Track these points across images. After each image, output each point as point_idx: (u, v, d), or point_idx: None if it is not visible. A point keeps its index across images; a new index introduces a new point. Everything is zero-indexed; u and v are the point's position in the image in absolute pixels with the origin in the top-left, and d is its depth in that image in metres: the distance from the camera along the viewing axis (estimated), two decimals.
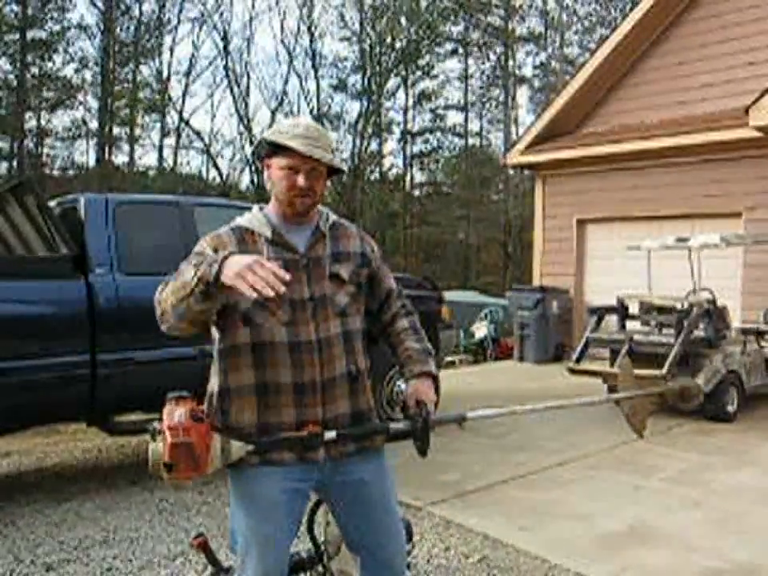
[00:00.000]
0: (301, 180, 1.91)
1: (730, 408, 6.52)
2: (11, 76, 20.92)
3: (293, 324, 1.91)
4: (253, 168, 24.11)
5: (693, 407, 6.40)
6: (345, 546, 2.28)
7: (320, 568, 2.41)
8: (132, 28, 23.36)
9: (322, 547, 2.40)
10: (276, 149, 1.93)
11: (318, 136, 1.93)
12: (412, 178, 29.32)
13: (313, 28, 25.12)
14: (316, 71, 25.60)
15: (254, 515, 1.92)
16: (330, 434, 1.86)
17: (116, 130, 23.79)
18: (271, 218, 2.01)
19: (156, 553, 3.60)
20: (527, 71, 30.40)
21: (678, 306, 6.79)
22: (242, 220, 2.03)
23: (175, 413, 1.72)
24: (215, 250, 1.90)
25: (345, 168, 2.04)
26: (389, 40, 25.69)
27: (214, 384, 2.00)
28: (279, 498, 1.91)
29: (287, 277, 1.65)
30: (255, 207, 2.08)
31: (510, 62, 29.29)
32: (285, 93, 25.26)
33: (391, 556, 2.07)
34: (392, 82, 26.93)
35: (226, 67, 24.18)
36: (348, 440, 1.95)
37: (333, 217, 2.11)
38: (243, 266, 1.61)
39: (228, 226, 2.02)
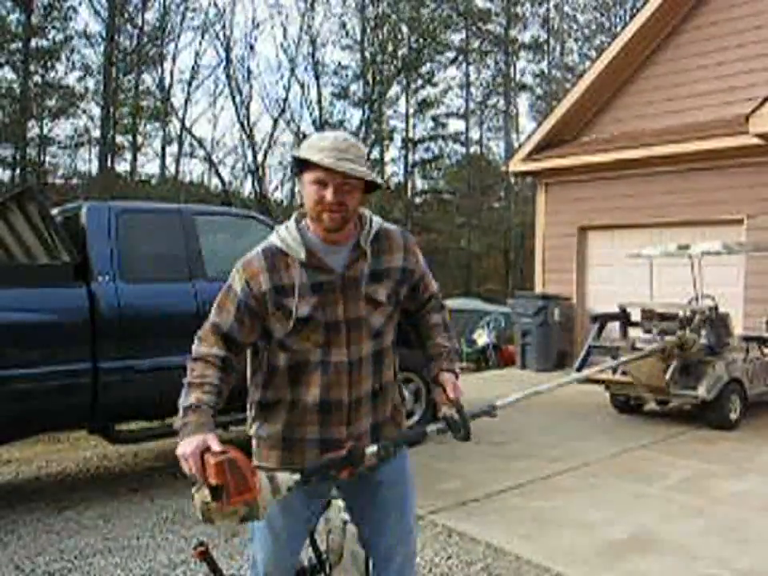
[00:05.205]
0: (329, 195, 1.82)
1: (733, 416, 6.50)
2: (15, 85, 21.00)
3: (327, 345, 1.90)
4: (255, 176, 24.18)
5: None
6: (346, 554, 2.28)
7: None
8: (135, 37, 23.48)
9: (324, 556, 2.40)
10: (305, 164, 1.85)
11: (347, 147, 1.83)
12: (413, 186, 29.38)
13: (314, 36, 25.24)
14: (318, 79, 25.72)
15: (273, 509, 1.93)
16: (372, 449, 1.83)
17: (118, 139, 23.84)
18: (307, 235, 1.92)
19: (157, 561, 3.60)
20: (528, 79, 30.50)
21: (680, 313, 6.79)
22: (276, 239, 1.93)
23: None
24: (247, 284, 1.87)
25: (380, 180, 1.92)
26: (390, 48, 25.81)
27: (253, 398, 2.01)
28: (299, 496, 1.94)
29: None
30: (292, 219, 1.97)
31: (511, 70, 29.42)
32: (286, 101, 25.25)
33: (403, 561, 2.07)
34: (393, 90, 27.06)
35: (227, 75, 24.27)
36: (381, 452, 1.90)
37: (377, 224, 1.99)
38: (180, 453, 1.66)
39: (262, 246, 1.93)
